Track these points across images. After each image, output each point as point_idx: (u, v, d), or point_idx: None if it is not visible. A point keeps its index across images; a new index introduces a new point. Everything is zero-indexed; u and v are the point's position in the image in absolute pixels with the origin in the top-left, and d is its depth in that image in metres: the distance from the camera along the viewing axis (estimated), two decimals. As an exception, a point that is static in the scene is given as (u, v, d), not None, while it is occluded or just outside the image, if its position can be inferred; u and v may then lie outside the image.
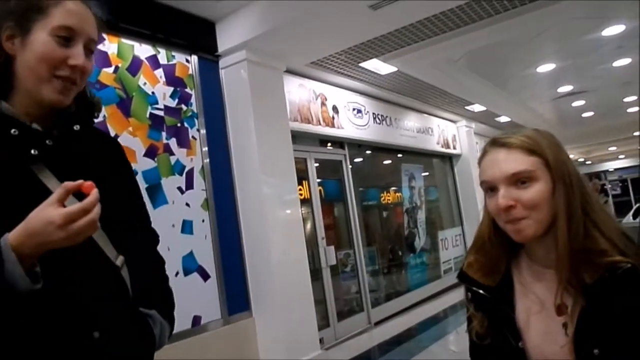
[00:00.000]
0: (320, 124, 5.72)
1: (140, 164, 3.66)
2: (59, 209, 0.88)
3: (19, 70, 1.03)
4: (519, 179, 1.06)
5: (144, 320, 1.13)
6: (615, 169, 26.85)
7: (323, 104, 5.84)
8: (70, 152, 1.06)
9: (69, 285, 0.96)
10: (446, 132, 9.32)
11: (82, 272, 1.00)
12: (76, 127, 1.10)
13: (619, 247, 1.00)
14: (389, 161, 8.10)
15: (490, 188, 1.11)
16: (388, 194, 7.69)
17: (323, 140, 6.13)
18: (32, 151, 0.99)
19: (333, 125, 5.97)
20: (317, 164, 5.85)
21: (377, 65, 5.71)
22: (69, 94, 1.07)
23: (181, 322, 3.70)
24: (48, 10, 1.03)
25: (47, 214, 0.88)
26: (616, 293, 0.97)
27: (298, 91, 5.44)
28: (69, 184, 0.91)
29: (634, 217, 5.78)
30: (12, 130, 0.98)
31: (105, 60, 3.58)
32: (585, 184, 1.09)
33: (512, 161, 1.07)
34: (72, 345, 0.96)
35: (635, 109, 11.56)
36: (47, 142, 1.02)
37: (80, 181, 0.92)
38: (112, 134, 3.50)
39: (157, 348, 1.15)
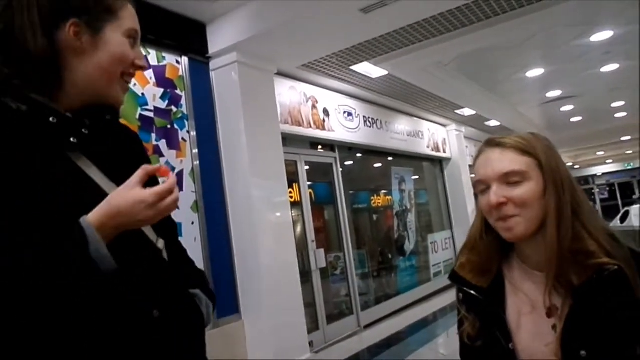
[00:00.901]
0: (311, 126, 5.72)
1: (130, 165, 3.63)
2: (148, 189, 0.95)
3: (84, 68, 1.04)
4: (511, 178, 1.07)
5: (192, 300, 1.16)
6: (603, 174, 27.13)
7: (314, 106, 5.84)
8: (104, 141, 1.09)
9: (126, 267, 0.97)
10: (436, 135, 9.36)
11: (133, 254, 1.01)
12: (108, 117, 1.13)
13: (606, 249, 1.01)
14: (380, 164, 8.11)
15: (483, 187, 1.12)
16: (378, 197, 7.71)
17: (314, 143, 6.12)
18: (72, 139, 1.00)
19: (324, 128, 5.97)
20: (307, 167, 5.84)
21: (368, 69, 5.72)
22: (126, 93, 1.13)
23: (170, 325, 3.67)
24: (119, 13, 1.07)
25: (136, 194, 0.94)
26: (603, 295, 0.98)
27: (289, 94, 5.43)
28: (148, 167, 0.99)
29: (621, 221, 5.83)
30: (51, 118, 0.99)
31: (95, 61, 3.55)
32: (576, 187, 1.10)
33: (505, 160, 1.09)
34: (134, 324, 0.98)
35: (623, 114, 11.70)
36: (83, 130, 1.03)
37: (157, 165, 1.02)
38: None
39: (206, 325, 1.18)
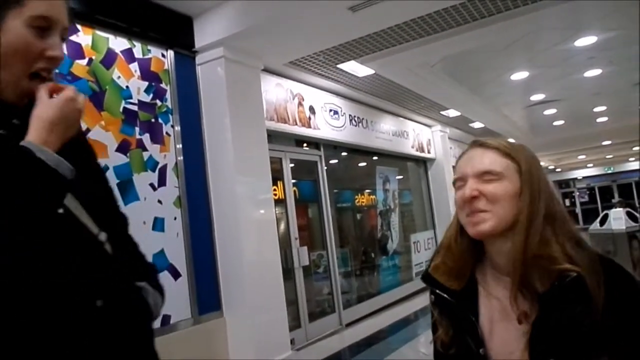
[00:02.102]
0: (296, 124, 5.70)
1: (112, 159, 3.59)
2: (66, 91, 1.03)
3: None
4: (488, 177, 1.08)
5: (139, 292, 1.13)
6: (584, 177, 27.55)
7: (300, 104, 5.83)
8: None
9: (68, 257, 0.95)
10: (421, 136, 9.41)
11: (74, 246, 0.99)
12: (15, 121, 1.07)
13: (569, 254, 1.01)
14: (364, 163, 8.13)
15: (461, 183, 1.13)
16: (362, 196, 7.73)
17: (299, 141, 6.11)
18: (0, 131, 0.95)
19: (309, 126, 5.96)
20: (292, 164, 5.83)
21: (354, 67, 5.72)
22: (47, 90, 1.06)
23: (150, 321, 3.64)
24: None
25: (56, 99, 1.00)
26: (564, 302, 0.97)
27: (275, 90, 5.41)
28: (47, 84, 1.04)
29: (601, 224, 5.93)
30: None
31: (79, 52, 3.50)
32: (554, 198, 1.10)
33: (485, 159, 1.10)
34: (77, 312, 0.95)
35: (605, 119, 11.88)
36: (14, 121, 0.99)
37: (51, 84, 1.05)
38: (84, 127, 3.43)
39: (154, 318, 1.15)
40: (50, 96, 1.02)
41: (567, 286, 0.97)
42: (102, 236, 1.05)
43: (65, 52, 3.38)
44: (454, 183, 1.16)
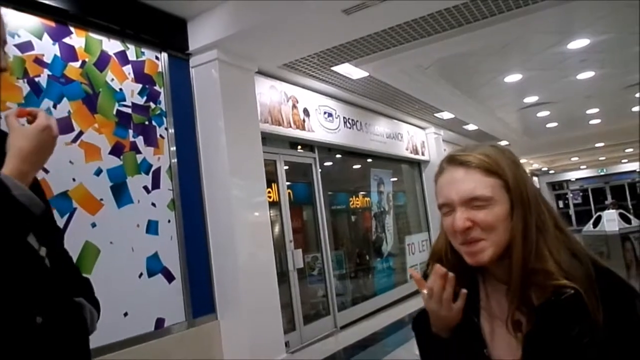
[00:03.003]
0: (290, 126, 5.70)
1: (106, 161, 3.57)
2: (40, 120, 1.03)
3: None
4: (477, 203, 1.03)
5: (75, 307, 1.14)
6: (577, 179, 27.68)
7: (294, 106, 5.83)
8: None
9: (7, 273, 0.95)
10: (415, 138, 9.43)
11: (16, 262, 0.99)
12: None
13: (565, 269, 0.99)
14: (359, 166, 8.14)
15: (447, 209, 1.08)
16: (357, 199, 7.73)
17: (293, 143, 6.11)
18: None
19: (304, 128, 5.96)
20: (286, 167, 5.83)
21: (348, 70, 5.73)
22: None
23: (144, 325, 3.62)
24: None
25: (31, 128, 1.01)
26: (561, 317, 0.95)
27: (269, 93, 5.41)
28: (13, 110, 1.05)
29: (594, 225, 5.95)
30: None
31: (72, 54, 3.49)
32: (541, 203, 1.07)
33: (470, 182, 1.04)
34: (17, 330, 0.95)
35: (597, 121, 11.94)
36: None
37: (19, 109, 1.07)
38: (77, 130, 3.41)
39: (89, 333, 1.17)
40: (28, 121, 1.06)
41: (563, 303, 0.95)
42: (43, 251, 1.05)
43: (58, 53, 3.39)
44: (438, 206, 1.11)
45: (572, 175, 27.48)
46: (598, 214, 6.13)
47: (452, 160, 1.09)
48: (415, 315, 1.22)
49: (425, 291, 1.11)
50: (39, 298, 1.00)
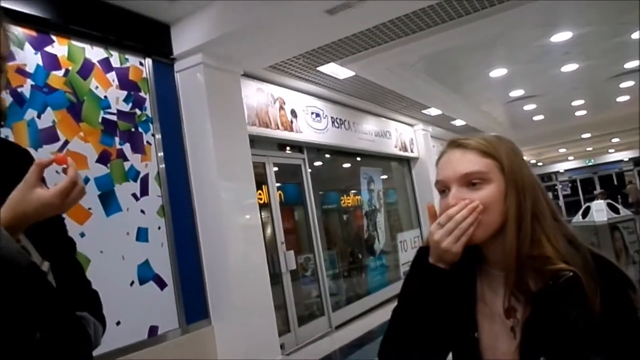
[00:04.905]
0: (278, 128, 5.69)
1: (93, 170, 3.54)
2: (50, 190, 0.94)
3: None
4: (471, 180, 1.05)
5: (79, 322, 1.13)
6: (565, 170, 27.95)
7: (281, 108, 5.82)
8: None
9: (7, 290, 0.94)
10: (404, 135, 9.45)
11: (16, 277, 0.97)
12: None
13: (563, 255, 1.00)
14: (348, 165, 8.14)
15: (443, 188, 1.11)
16: (348, 197, 7.73)
17: (282, 145, 6.10)
18: None
19: (292, 130, 5.95)
20: (276, 168, 5.82)
21: (335, 70, 5.73)
22: None
23: (137, 333, 3.60)
24: None
25: (40, 197, 0.93)
26: (559, 302, 0.96)
27: (256, 95, 5.40)
28: (42, 160, 0.96)
29: (583, 216, 5.99)
30: None
31: (55, 63, 3.45)
32: (539, 191, 1.09)
33: (466, 162, 1.07)
34: (15, 346, 0.94)
35: (583, 112, 12.05)
36: None
37: (53, 156, 0.98)
38: (62, 139, 3.38)
39: (94, 348, 1.16)
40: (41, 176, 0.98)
41: (562, 286, 0.96)
42: (45, 266, 1.05)
43: (41, 63, 3.36)
44: (435, 185, 1.14)
45: (561, 167, 27.74)
46: (587, 204, 6.16)
47: (451, 143, 1.13)
48: (417, 249, 1.21)
49: (438, 221, 1.07)
50: (38, 313, 0.99)
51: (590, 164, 26.97)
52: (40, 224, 1.06)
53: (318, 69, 5.55)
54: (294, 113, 6.04)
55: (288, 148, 6.26)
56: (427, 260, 1.11)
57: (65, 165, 0.98)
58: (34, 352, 0.96)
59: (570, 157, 25.99)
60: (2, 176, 1.04)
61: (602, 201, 6.12)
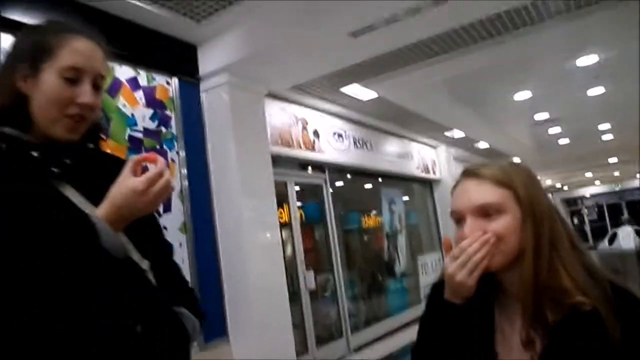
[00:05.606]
0: (300, 147, 5.73)
1: (118, 186, 3.59)
2: (138, 177, 1.05)
3: (34, 110, 1.10)
4: (487, 211, 1.05)
5: (177, 318, 1.19)
6: (592, 195, 27.39)
7: (304, 128, 5.86)
8: (87, 169, 1.15)
9: (111, 285, 1.03)
10: (426, 157, 9.41)
11: (118, 274, 1.06)
12: (91, 145, 1.23)
13: (582, 287, 0.98)
14: (370, 185, 8.12)
15: (458, 218, 1.10)
16: (368, 218, 7.70)
17: (303, 164, 6.13)
18: (53, 169, 1.08)
19: (314, 149, 5.98)
20: (297, 188, 5.83)
21: (357, 91, 5.77)
22: (79, 130, 1.15)
23: (156, 349, 3.60)
24: (55, 51, 1.09)
25: (127, 183, 1.04)
26: (577, 336, 0.95)
27: (279, 115, 5.45)
28: (136, 156, 1.11)
29: (610, 242, 5.86)
30: (33, 153, 1.07)
31: (84, 82, 3.54)
32: (557, 218, 1.07)
33: (481, 192, 1.06)
34: (118, 338, 1.02)
35: (610, 136, 11.85)
36: (66, 161, 1.11)
37: (145, 154, 1.13)
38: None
39: (191, 342, 1.23)
40: (135, 171, 1.09)
41: (581, 319, 0.94)
42: (145, 264, 1.13)
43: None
44: (451, 215, 1.13)
45: (587, 192, 27.20)
46: (613, 230, 6.03)
47: (466, 173, 1.13)
48: (431, 285, 1.22)
49: (452, 254, 1.08)
50: (138, 307, 1.07)
51: (617, 189, 26.41)
52: (139, 227, 1.14)
53: (341, 90, 5.59)
54: (316, 133, 6.08)
55: (310, 168, 6.28)
56: (442, 297, 1.11)
57: (155, 164, 1.10)
58: (136, 344, 1.04)
59: (597, 182, 25.51)
60: (107, 188, 1.12)
61: (629, 227, 5.98)
